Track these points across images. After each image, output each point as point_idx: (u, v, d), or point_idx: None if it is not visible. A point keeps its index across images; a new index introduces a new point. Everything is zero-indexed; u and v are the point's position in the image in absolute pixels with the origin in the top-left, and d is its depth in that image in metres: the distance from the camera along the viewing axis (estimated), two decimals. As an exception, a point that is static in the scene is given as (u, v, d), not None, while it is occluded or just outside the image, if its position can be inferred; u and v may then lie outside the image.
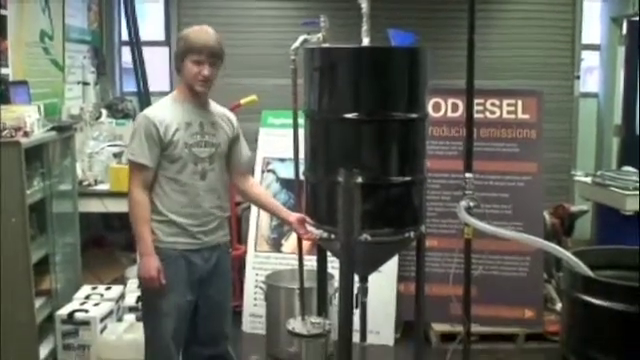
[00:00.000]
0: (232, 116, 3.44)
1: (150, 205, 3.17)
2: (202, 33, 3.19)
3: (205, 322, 3.35)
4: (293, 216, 3.46)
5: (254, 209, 5.27)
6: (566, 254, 2.86)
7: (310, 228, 3.46)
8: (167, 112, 3.19)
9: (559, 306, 4.77)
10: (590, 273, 2.76)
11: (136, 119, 3.24)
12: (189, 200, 3.20)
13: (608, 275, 2.85)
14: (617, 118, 7.25)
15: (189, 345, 3.38)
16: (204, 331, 3.36)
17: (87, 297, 4.46)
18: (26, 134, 4.01)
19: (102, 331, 4.19)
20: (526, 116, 4.93)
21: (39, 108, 4.41)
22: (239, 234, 5.58)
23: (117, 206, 4.91)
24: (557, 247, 3.02)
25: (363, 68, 3.21)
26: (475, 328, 4.17)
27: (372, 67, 3.19)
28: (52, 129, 4.38)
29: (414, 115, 3.30)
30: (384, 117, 3.24)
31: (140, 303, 3.47)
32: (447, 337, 4.46)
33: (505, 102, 4.94)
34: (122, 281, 5.06)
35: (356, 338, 3.62)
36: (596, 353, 2.69)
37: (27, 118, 4.10)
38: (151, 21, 7.35)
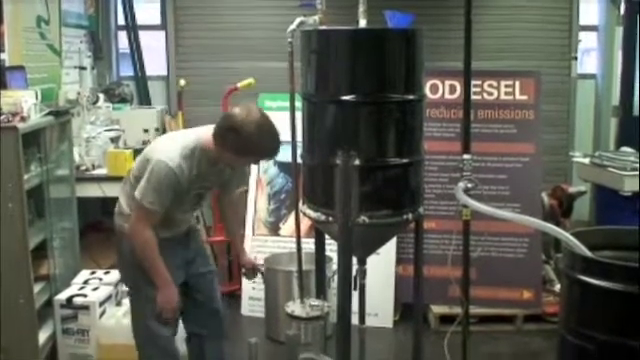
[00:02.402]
0: None
1: None
2: (276, 137, 3.22)
3: (201, 294, 3.46)
4: (245, 260, 3.71)
5: (251, 193, 5.27)
6: (564, 234, 2.86)
7: (307, 211, 3.46)
8: (187, 166, 3.11)
9: (558, 287, 4.78)
10: (589, 253, 2.76)
11: (158, 166, 3.07)
12: (170, 225, 3.28)
13: (607, 255, 2.84)
14: (615, 99, 7.24)
15: (190, 326, 3.48)
16: (202, 304, 3.46)
17: (86, 282, 4.46)
18: (23, 119, 4.00)
19: (101, 315, 4.20)
20: (524, 97, 4.92)
21: (36, 93, 4.40)
22: (237, 218, 5.58)
23: (115, 190, 4.83)
24: (555, 228, 3.01)
25: (360, 50, 3.19)
26: (474, 310, 4.19)
27: (369, 49, 3.18)
28: (49, 114, 4.37)
29: (411, 97, 3.29)
30: (381, 99, 3.23)
31: (131, 292, 3.47)
32: (446, 319, 4.47)
33: (503, 83, 4.93)
34: (121, 266, 5.05)
35: (355, 320, 3.62)
36: (595, 333, 2.69)
37: (24, 103, 4.09)
38: (147, 5, 7.32)
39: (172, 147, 3.14)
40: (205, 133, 3.19)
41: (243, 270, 3.75)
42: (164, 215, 3.18)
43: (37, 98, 4.35)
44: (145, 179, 3.09)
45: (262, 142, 3.14)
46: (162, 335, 3.30)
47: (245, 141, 3.08)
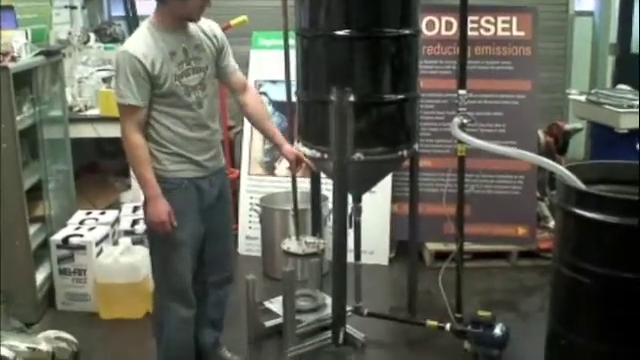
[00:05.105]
0: (213, 25, 3.20)
1: (152, 138, 3.02)
2: None
3: (213, 246, 3.28)
4: (290, 151, 3.36)
5: (247, 133, 5.25)
6: (559, 168, 2.88)
7: (302, 149, 3.45)
8: (149, 45, 2.95)
9: (552, 224, 4.80)
10: (583, 186, 2.77)
11: (116, 57, 2.99)
12: (190, 131, 3.06)
13: (601, 189, 2.86)
14: (612, 37, 7.17)
15: (196, 275, 3.28)
16: (212, 257, 3.30)
17: (81, 222, 4.44)
18: (13, 59, 3.95)
19: (98, 255, 4.20)
20: (521, 33, 4.86)
21: (26, 33, 4.34)
22: (232, 158, 5.57)
23: (108, 131, 4.88)
24: (550, 161, 3.03)
25: (354, -17, 3.16)
26: (468, 246, 4.22)
27: (363, -18, 3.14)
28: (40, 54, 4.32)
29: (407, 31, 3.26)
30: (376, 34, 3.20)
31: (148, 241, 3.27)
32: (441, 256, 4.49)
33: (500, 19, 4.85)
34: (117, 206, 5.06)
35: (350, 258, 3.65)
36: (589, 266, 2.73)
37: (14, 43, 4.04)
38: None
39: (129, 40, 3.04)
40: (151, 15, 3.05)
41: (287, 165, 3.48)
42: (172, 115, 3.01)
43: (27, 38, 4.29)
44: (115, 76, 3.00)
45: None
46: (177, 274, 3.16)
47: None
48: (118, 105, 2.98)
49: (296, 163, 3.40)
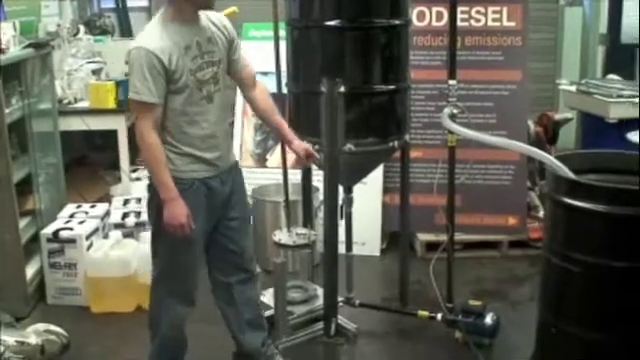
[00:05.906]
0: (221, 17, 3.13)
1: (164, 138, 2.93)
2: None
3: (231, 244, 3.21)
4: (300, 147, 3.25)
5: (238, 124, 5.24)
6: (549, 158, 2.88)
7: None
8: (163, 39, 2.87)
9: (542, 213, 4.82)
10: (572, 175, 2.78)
11: (135, 52, 2.86)
12: (201, 129, 2.99)
13: (590, 178, 2.87)
14: (602, 27, 7.18)
15: (215, 274, 3.26)
16: (231, 255, 3.23)
17: (72, 216, 4.43)
18: (2, 51, 3.93)
19: (88, 248, 4.18)
20: (511, 23, 4.85)
21: (14, 25, 4.31)
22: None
23: (98, 123, 4.87)
24: (539, 151, 3.04)
25: (344, -26, 3.15)
26: (459, 236, 4.23)
27: (353, -28, 3.13)
28: (29, 46, 4.30)
29: (397, 21, 3.26)
30: (367, 24, 3.19)
31: (154, 239, 3.15)
32: (432, 246, 4.50)
33: (490, 9, 4.85)
34: (107, 199, 5.05)
35: (342, 249, 3.65)
36: (579, 255, 2.74)
37: (2, 35, 4.01)
38: None
39: (142, 35, 2.95)
40: (163, 9, 2.97)
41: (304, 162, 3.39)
42: (184, 112, 2.93)
43: (16, 30, 4.26)
44: (129, 74, 2.91)
45: None
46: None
47: None
48: (133, 103, 2.89)
49: (305, 158, 3.30)
